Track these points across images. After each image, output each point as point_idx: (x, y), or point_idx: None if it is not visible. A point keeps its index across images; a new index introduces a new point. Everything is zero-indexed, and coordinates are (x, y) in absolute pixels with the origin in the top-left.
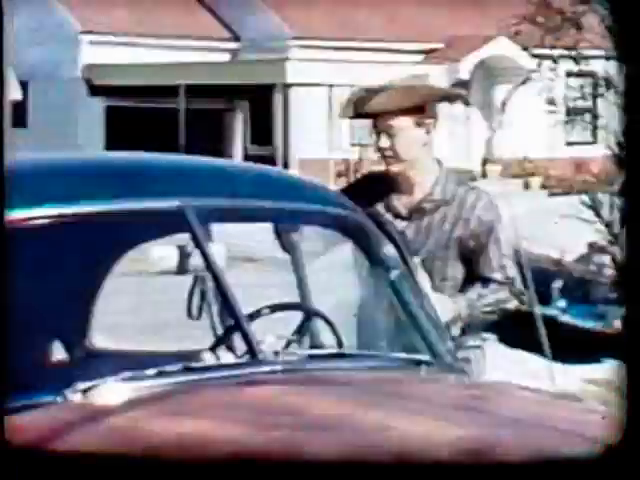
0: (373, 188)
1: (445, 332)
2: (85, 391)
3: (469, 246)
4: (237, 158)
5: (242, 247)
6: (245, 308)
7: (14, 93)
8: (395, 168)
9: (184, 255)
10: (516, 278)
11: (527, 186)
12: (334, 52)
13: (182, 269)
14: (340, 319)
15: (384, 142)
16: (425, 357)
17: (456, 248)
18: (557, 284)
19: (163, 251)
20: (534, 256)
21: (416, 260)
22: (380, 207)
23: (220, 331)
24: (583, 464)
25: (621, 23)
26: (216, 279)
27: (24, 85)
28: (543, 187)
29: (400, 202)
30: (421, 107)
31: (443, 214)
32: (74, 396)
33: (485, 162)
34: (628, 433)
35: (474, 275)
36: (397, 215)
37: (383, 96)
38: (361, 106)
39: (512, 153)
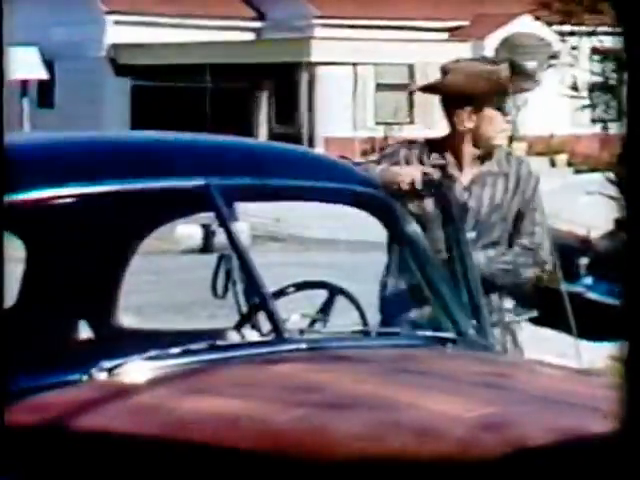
0: (428, 155)
1: (482, 308)
2: (111, 370)
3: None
4: (262, 137)
5: (267, 226)
6: (270, 286)
7: (40, 73)
8: (479, 148)
9: (209, 234)
10: (542, 245)
11: (553, 163)
12: (358, 30)
13: (207, 248)
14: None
15: (470, 123)
16: (450, 335)
17: (514, 217)
18: (583, 261)
19: (188, 230)
20: (560, 233)
21: (473, 235)
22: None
23: (245, 310)
24: (607, 441)
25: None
26: (241, 258)
27: (50, 65)
28: (569, 164)
29: (459, 172)
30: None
31: (504, 186)
32: (100, 375)
33: (511, 139)
34: None
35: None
36: (455, 184)
37: (488, 78)
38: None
39: (538, 130)
